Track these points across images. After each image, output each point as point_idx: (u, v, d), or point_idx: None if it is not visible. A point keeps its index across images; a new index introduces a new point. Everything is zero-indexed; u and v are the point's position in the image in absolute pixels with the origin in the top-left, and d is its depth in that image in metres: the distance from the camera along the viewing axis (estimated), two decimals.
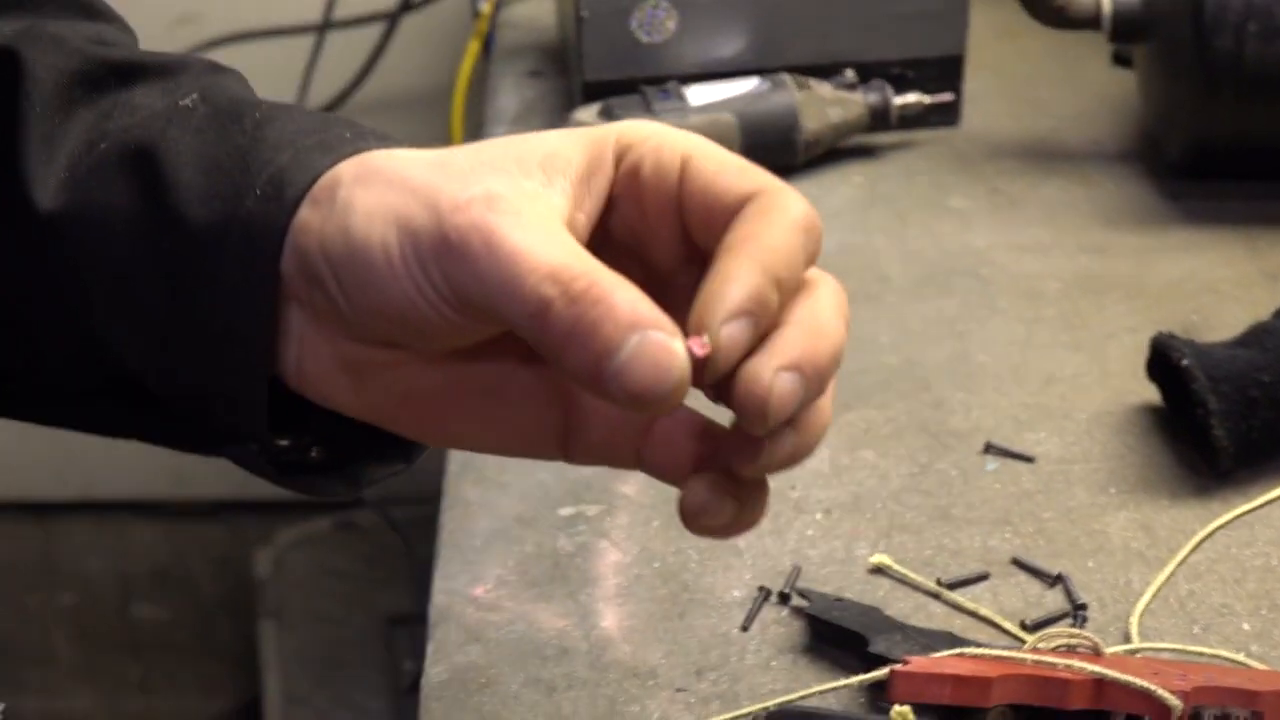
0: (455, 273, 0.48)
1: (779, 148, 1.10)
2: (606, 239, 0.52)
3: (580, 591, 0.76)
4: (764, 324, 0.48)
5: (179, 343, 0.54)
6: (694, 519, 0.50)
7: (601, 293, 0.46)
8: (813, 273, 0.51)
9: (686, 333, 0.47)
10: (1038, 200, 1.10)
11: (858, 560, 0.77)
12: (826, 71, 1.14)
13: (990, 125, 1.20)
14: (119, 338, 0.56)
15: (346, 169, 0.52)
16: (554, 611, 0.74)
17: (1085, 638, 0.66)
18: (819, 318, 0.49)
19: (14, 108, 0.57)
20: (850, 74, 1.14)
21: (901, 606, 0.74)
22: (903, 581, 0.76)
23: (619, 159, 0.52)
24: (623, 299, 0.46)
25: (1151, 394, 0.87)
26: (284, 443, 0.57)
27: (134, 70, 0.58)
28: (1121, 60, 1.24)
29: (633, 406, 0.46)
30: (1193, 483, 0.81)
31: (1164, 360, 0.84)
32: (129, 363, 0.56)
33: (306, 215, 0.51)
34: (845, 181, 1.13)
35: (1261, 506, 0.80)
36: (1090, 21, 1.13)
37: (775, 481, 0.81)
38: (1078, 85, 1.26)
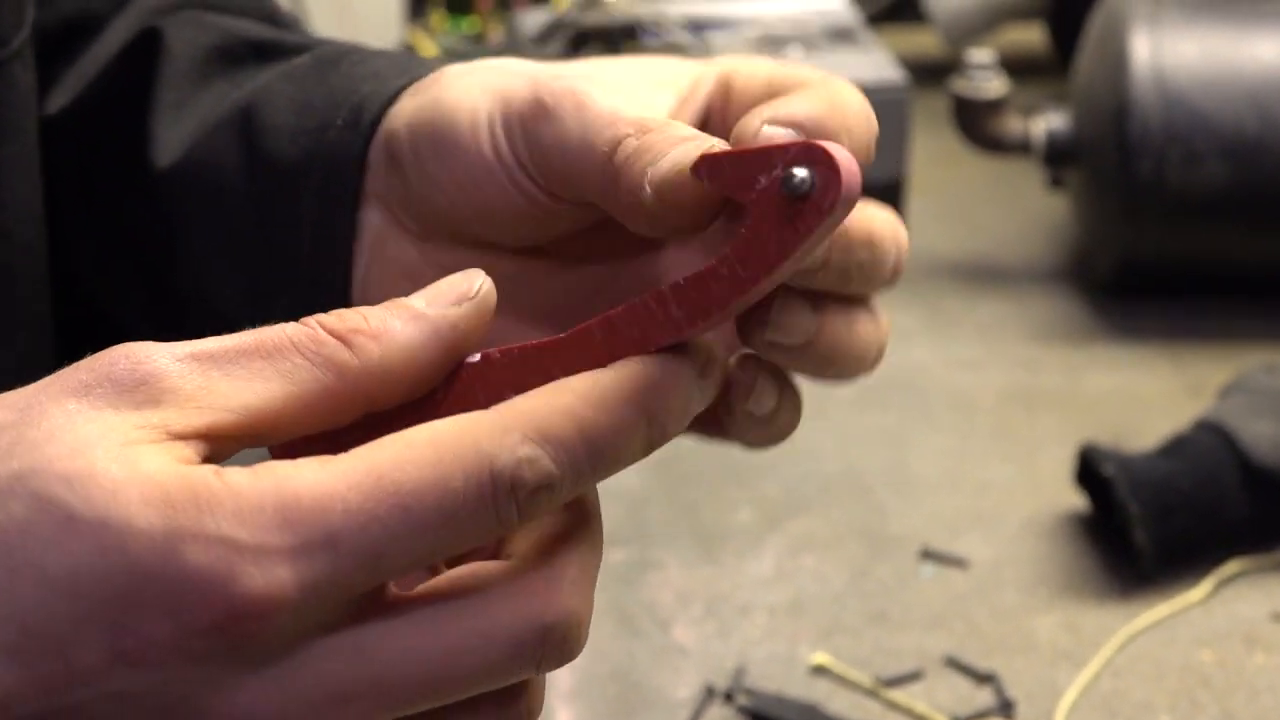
0: (540, 132, 0.48)
1: None
2: None
3: None
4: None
5: (268, 280, 0.56)
6: (740, 406, 0.49)
7: (673, 128, 0.45)
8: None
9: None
10: (974, 317, 1.15)
11: (799, 660, 0.81)
12: None
13: (930, 246, 1.25)
14: (219, 284, 0.58)
15: (452, 69, 0.53)
16: None
17: None
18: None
19: (151, 78, 0.62)
20: None
21: (841, 704, 0.78)
22: (842, 680, 0.80)
23: (714, 89, 0.52)
24: (684, 129, 0.45)
25: (1079, 501, 0.91)
26: None
27: (273, 47, 0.62)
28: (1058, 183, 1.30)
29: (655, 207, 0.44)
30: (1117, 585, 0.86)
31: (1091, 469, 0.89)
32: (228, 313, 0.58)
33: (401, 104, 0.53)
34: None
35: (1181, 608, 0.84)
36: (1023, 147, 1.19)
37: (721, 585, 0.85)
38: (1014, 208, 1.32)
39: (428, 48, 1.50)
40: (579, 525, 0.41)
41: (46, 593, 0.36)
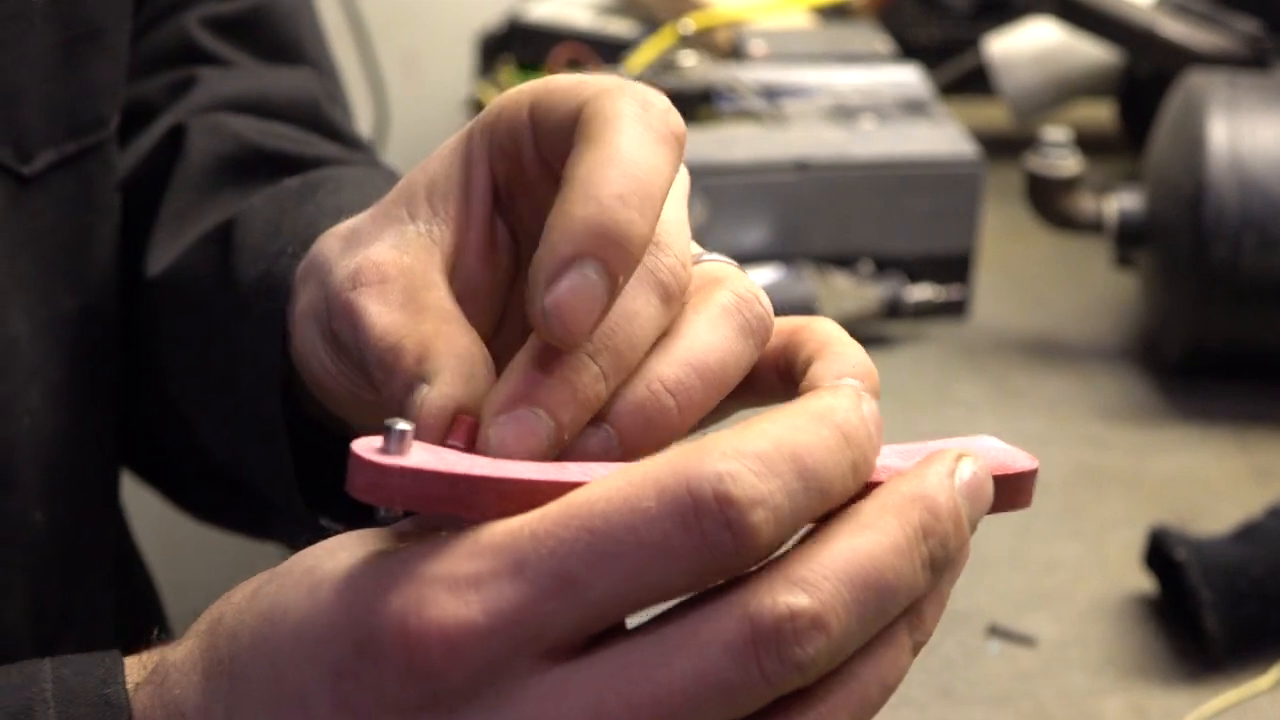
0: (347, 353, 0.47)
1: None
2: (518, 220, 0.48)
3: None
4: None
5: (221, 400, 0.57)
6: None
7: (391, 367, 0.44)
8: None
9: None
10: (1040, 393, 1.15)
11: None
12: (846, 262, 1.21)
13: (998, 320, 1.25)
14: (186, 402, 0.59)
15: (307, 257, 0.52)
16: None
17: None
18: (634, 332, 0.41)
19: (166, 183, 0.63)
20: (868, 266, 1.21)
21: None
22: None
23: (490, 145, 0.47)
24: (396, 380, 0.43)
25: (1146, 583, 0.91)
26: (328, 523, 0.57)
27: (289, 161, 0.62)
28: (1126, 261, 1.30)
29: None
30: (1185, 669, 0.86)
31: (1161, 552, 0.89)
32: (198, 433, 0.59)
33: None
34: None
35: (1250, 695, 0.84)
36: (1094, 226, 1.20)
37: None
38: (1081, 285, 1.32)
39: None
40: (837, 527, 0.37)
41: (288, 650, 0.37)
